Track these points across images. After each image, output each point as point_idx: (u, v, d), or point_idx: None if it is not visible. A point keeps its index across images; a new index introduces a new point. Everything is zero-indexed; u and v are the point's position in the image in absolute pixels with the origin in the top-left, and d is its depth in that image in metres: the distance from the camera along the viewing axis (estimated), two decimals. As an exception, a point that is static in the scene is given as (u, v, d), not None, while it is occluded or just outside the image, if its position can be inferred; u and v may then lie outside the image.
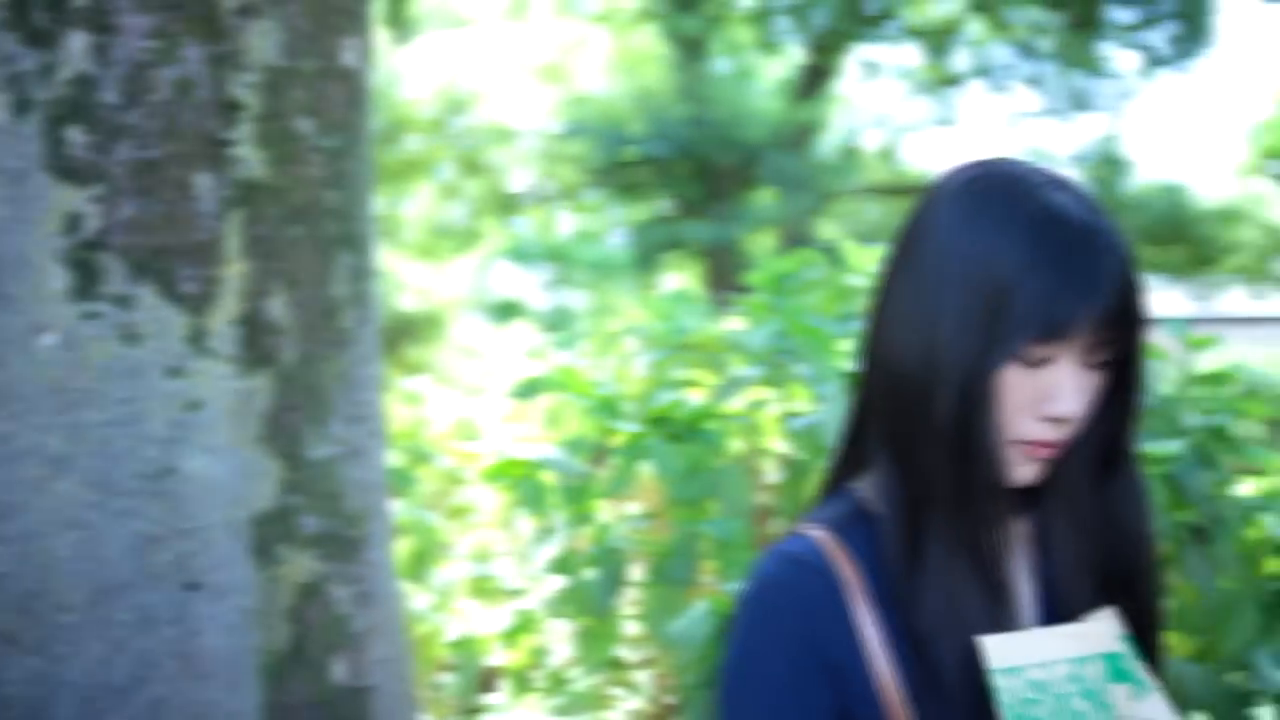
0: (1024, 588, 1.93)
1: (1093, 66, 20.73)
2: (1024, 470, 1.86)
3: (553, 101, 20.45)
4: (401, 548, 4.29)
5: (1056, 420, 1.83)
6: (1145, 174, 28.21)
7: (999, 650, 1.74)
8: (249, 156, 3.04)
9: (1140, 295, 1.83)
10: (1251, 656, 3.98)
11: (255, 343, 3.03)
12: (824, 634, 1.82)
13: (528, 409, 4.14)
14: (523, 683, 3.81)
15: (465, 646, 3.82)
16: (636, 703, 3.91)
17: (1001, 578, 1.86)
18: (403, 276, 17.64)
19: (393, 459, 4.66)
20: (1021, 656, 1.74)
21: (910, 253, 1.86)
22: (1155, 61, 20.22)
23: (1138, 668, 1.83)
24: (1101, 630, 1.76)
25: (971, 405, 1.79)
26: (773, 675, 1.83)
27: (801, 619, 1.83)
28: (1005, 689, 1.72)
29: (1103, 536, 1.93)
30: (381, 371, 3.34)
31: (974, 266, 1.79)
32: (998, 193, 1.83)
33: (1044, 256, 1.77)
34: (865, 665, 1.82)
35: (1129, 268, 1.81)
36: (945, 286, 1.81)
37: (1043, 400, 1.82)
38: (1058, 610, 1.91)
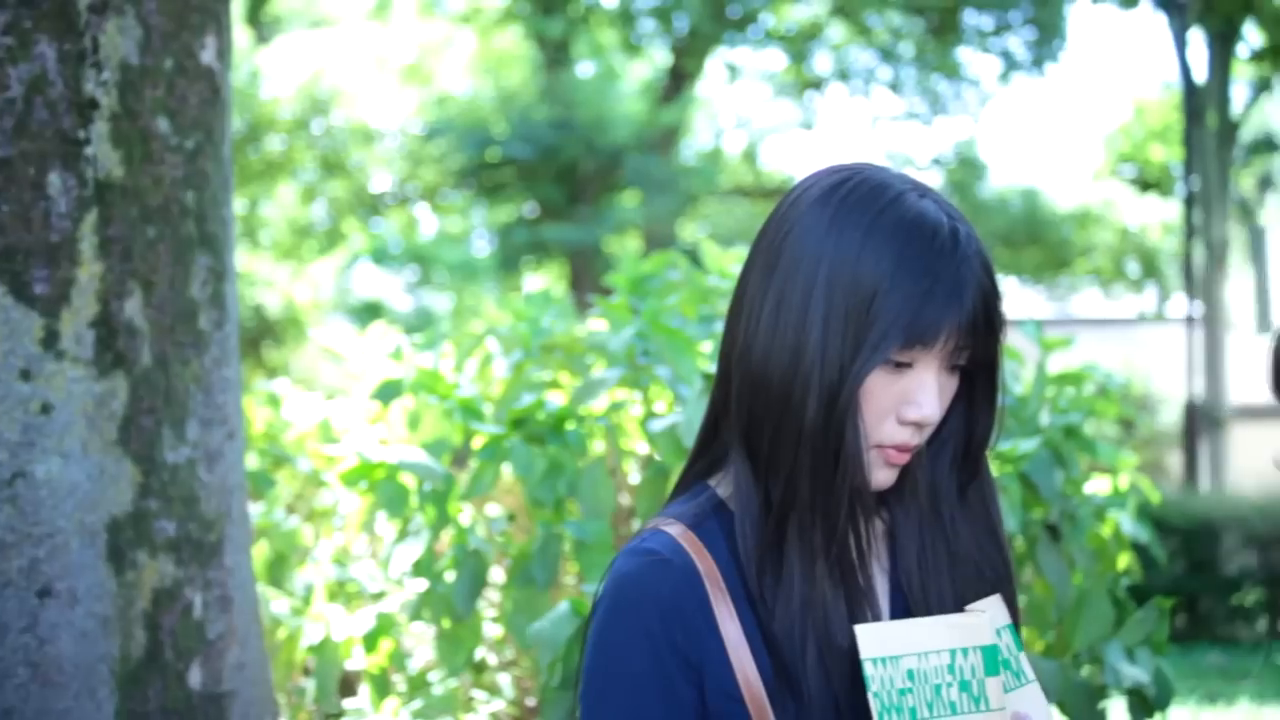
0: (880, 587, 1.95)
1: (952, 71, 21.01)
2: (882, 474, 1.88)
3: (416, 102, 20.35)
4: (260, 551, 4.25)
5: (916, 424, 1.85)
6: (1003, 178, 28.62)
7: (872, 639, 1.75)
8: (104, 156, 3.01)
9: (999, 302, 1.86)
10: (1103, 651, 4.05)
11: (110, 345, 3.00)
12: (685, 629, 1.83)
13: (388, 411, 4.11)
14: (383, 686, 3.78)
15: (325, 650, 3.79)
16: (498, 705, 3.90)
17: (860, 579, 1.88)
18: (263, 277, 17.46)
19: (251, 462, 4.61)
20: (898, 646, 1.75)
21: (775, 257, 1.87)
22: (1012, 67, 20.52)
23: (1017, 659, 1.86)
24: (982, 623, 1.77)
25: (838, 410, 1.81)
26: (635, 672, 1.83)
27: (662, 614, 1.83)
28: (877, 678, 1.74)
29: (956, 536, 1.95)
30: (240, 374, 3.31)
31: (841, 273, 1.81)
32: (863, 199, 1.85)
33: (910, 264, 1.80)
34: (727, 660, 1.82)
35: (990, 275, 1.85)
36: (812, 292, 1.82)
37: (903, 404, 1.84)
38: (911, 608, 1.93)
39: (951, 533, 1.95)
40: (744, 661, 1.83)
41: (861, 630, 1.75)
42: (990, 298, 1.84)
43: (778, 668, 1.82)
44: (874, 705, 1.73)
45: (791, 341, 1.82)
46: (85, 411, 2.96)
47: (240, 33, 18.32)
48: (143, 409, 3.04)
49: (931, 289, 1.79)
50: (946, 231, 1.83)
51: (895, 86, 21.38)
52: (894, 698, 1.75)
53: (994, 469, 3.93)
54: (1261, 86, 19.24)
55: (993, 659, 1.77)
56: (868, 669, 1.73)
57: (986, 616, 1.78)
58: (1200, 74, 18.29)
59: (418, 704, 3.62)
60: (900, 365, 1.82)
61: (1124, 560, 4.40)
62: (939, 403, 1.85)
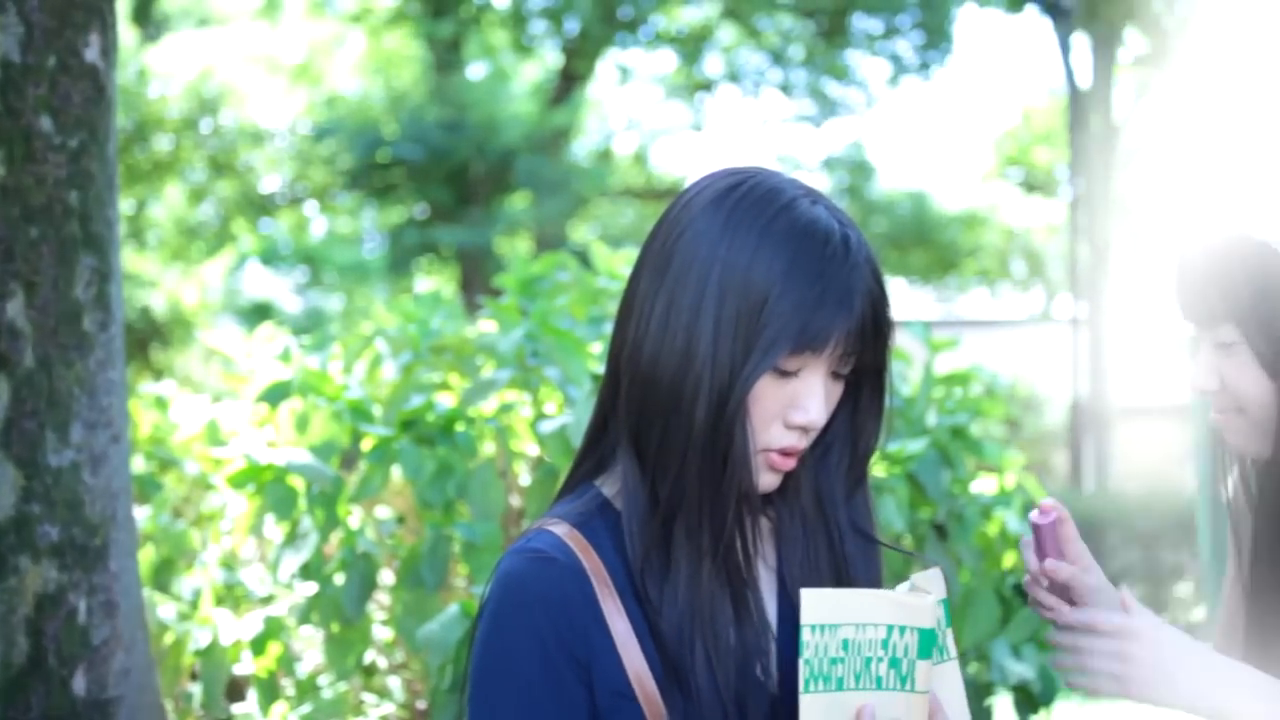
0: (766, 586, 1.97)
1: (841, 74, 21.15)
2: (767, 478, 1.90)
3: (305, 102, 20.22)
4: (146, 555, 4.20)
5: (802, 428, 1.87)
6: (892, 180, 28.85)
7: (816, 606, 1.75)
8: (-16, 155, 2.97)
9: (888, 309, 1.88)
10: (989, 648, 4.10)
11: (-9, 347, 2.96)
12: (573, 626, 1.83)
13: (276, 413, 4.08)
14: (271, 690, 3.75)
15: (212, 655, 3.75)
16: (388, 708, 3.89)
17: (746, 579, 1.90)
18: (151, 278, 17.27)
19: (137, 465, 4.57)
20: (839, 615, 1.75)
21: (666, 259, 1.88)
22: (900, 70, 20.69)
23: (944, 635, 1.88)
24: (926, 606, 1.77)
25: (727, 413, 1.82)
26: (525, 672, 1.83)
27: (549, 612, 1.84)
28: (812, 644, 1.74)
29: (839, 538, 1.98)
30: (125, 376, 3.28)
31: (733, 277, 1.82)
32: (756, 204, 1.86)
33: (801, 270, 1.81)
34: (616, 657, 1.83)
35: (879, 282, 1.87)
36: (704, 295, 1.83)
37: (790, 409, 1.85)
38: (794, 606, 1.95)
39: (835, 535, 1.97)
40: (634, 658, 1.83)
41: (807, 595, 1.75)
42: (879, 305, 1.86)
43: (666, 664, 1.83)
44: (803, 670, 1.74)
45: (682, 344, 1.83)
46: (-34, 414, 2.92)
47: (126, 31, 18.10)
48: (25, 411, 3.00)
49: (822, 296, 1.81)
50: (838, 239, 1.84)
51: (785, 89, 21.49)
52: (824, 666, 1.75)
53: (882, 469, 3.99)
54: (1143, 91, 19.54)
55: (928, 643, 1.78)
56: (805, 635, 1.74)
57: (932, 599, 1.78)
58: (1084, 79, 18.55)
59: (307, 708, 3.60)
60: (788, 372, 1.84)
61: (1010, 559, 4.45)
62: (825, 408, 1.87)
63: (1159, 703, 1.99)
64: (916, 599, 1.78)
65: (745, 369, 1.81)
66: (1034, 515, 2.11)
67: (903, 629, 1.76)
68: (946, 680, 1.89)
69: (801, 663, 1.75)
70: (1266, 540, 2.13)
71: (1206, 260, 2.09)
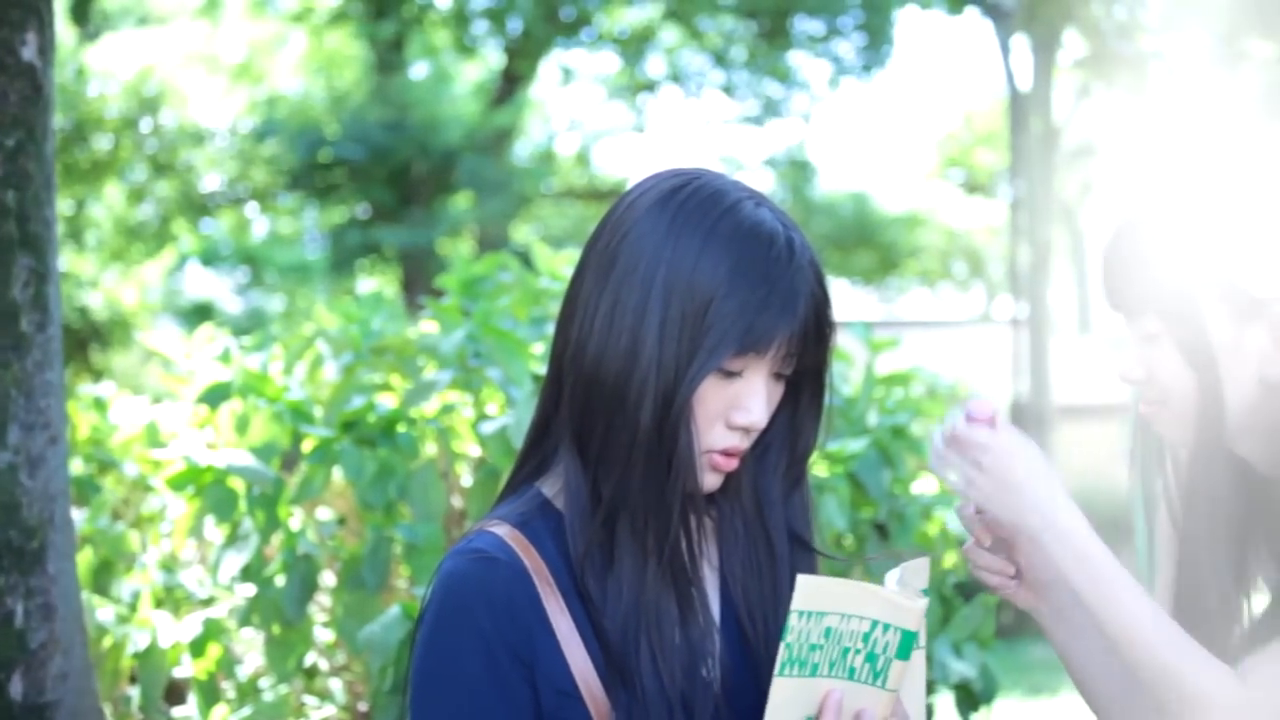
0: (710, 585, 1.97)
1: (783, 75, 21.19)
2: (709, 478, 1.90)
3: (246, 102, 20.10)
4: (85, 558, 4.17)
5: (744, 429, 1.88)
6: (833, 181, 28.93)
7: (808, 593, 1.75)
8: (-81, 155, 2.94)
9: (830, 311, 1.90)
10: (931, 647, 4.12)
11: (-74, 348, 2.94)
12: (516, 626, 1.83)
13: (216, 415, 4.06)
14: (211, 693, 3.73)
15: (151, 657, 3.73)
16: (329, 711, 3.87)
17: (692, 579, 1.91)
18: (90, 279, 17.15)
19: (76, 467, 4.53)
20: (827, 604, 1.75)
21: (610, 260, 1.88)
22: (842, 72, 20.76)
23: (923, 631, 1.89)
24: (916, 609, 1.77)
25: (672, 414, 1.83)
26: (468, 673, 1.83)
27: (492, 612, 1.84)
28: (796, 630, 1.74)
29: (778, 538, 1.98)
30: (63, 377, 3.25)
31: (678, 278, 1.83)
32: (701, 205, 1.87)
33: (746, 272, 1.82)
34: (560, 656, 1.83)
35: (821, 284, 1.88)
36: (649, 296, 1.83)
37: (733, 409, 1.86)
38: (736, 607, 1.96)
39: (775, 535, 1.98)
40: (578, 657, 1.84)
41: (801, 581, 1.75)
42: (822, 307, 1.88)
43: (610, 663, 1.83)
44: (781, 654, 1.74)
45: (626, 345, 1.84)
46: (-99, 416, 2.90)
47: (65, 29, 17.96)
48: (-39, 413, 2.98)
49: (767, 298, 1.82)
50: (782, 241, 1.85)
51: (728, 90, 21.53)
52: (803, 651, 1.76)
53: (823, 469, 4.01)
54: (1082, 93, 19.67)
55: (908, 644, 1.78)
56: (791, 619, 1.74)
57: (923, 604, 1.78)
58: (1025, 81, 18.65)
59: (247, 711, 3.58)
60: (732, 373, 1.85)
61: (951, 558, 4.47)
62: (767, 409, 1.88)
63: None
64: (908, 600, 1.78)
65: (690, 370, 1.82)
66: (973, 410, 2.12)
67: (886, 626, 1.77)
68: (912, 669, 1.89)
69: (782, 646, 1.75)
70: (1193, 531, 2.16)
71: (1129, 251, 2.12)
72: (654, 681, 1.84)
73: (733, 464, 1.90)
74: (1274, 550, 2.07)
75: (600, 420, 1.86)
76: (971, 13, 19.63)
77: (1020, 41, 18.41)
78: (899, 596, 1.77)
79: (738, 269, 1.82)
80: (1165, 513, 2.26)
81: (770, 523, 1.98)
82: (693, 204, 1.87)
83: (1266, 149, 2.14)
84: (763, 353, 1.84)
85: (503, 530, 1.89)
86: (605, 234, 1.91)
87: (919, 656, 1.86)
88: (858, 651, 1.77)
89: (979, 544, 2.20)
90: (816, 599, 1.75)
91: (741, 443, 1.89)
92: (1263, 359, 2.06)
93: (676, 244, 1.84)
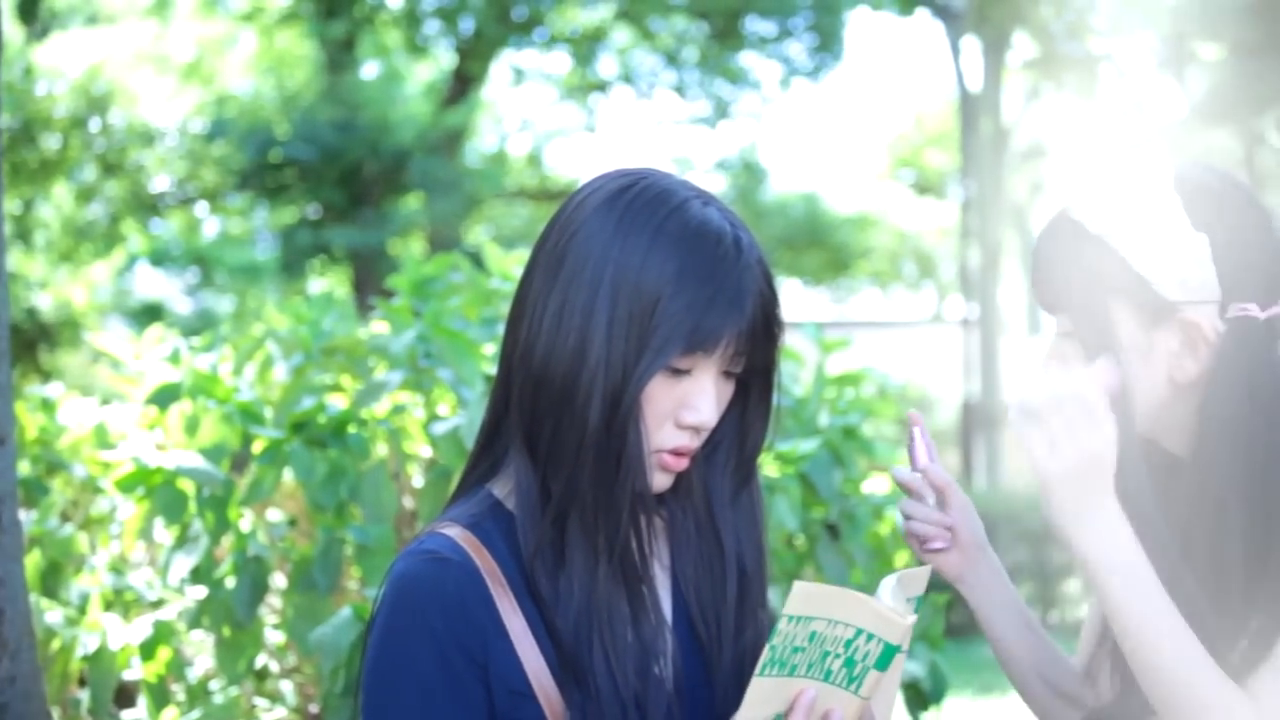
0: (662, 584, 1.98)
1: (735, 76, 21.21)
2: (660, 478, 1.91)
3: (196, 102, 20.00)
4: (33, 560, 4.15)
5: (694, 428, 1.88)
6: (785, 181, 28.98)
7: (802, 599, 1.75)
8: None
9: (778, 309, 1.91)
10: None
11: (-128, 349, 2.92)
12: (469, 626, 1.84)
13: (166, 416, 4.04)
14: (162, 696, 3.72)
15: (101, 660, 3.71)
16: (280, 713, 3.86)
17: (643, 578, 1.91)
18: (38, 279, 17.04)
19: (24, 468, 4.50)
20: (817, 610, 1.75)
21: (559, 260, 1.89)
22: (793, 73, 20.80)
23: (906, 644, 1.89)
24: (905, 626, 1.77)
25: (620, 414, 1.83)
26: (421, 674, 1.83)
27: (445, 612, 1.84)
28: (784, 633, 1.75)
29: (728, 537, 1.99)
30: (11, 378, 3.23)
31: (626, 278, 1.83)
32: (648, 205, 1.87)
33: (693, 271, 1.83)
34: (514, 656, 1.84)
35: (769, 283, 1.89)
36: (597, 296, 1.84)
37: (681, 409, 1.87)
38: (688, 606, 1.97)
39: (725, 534, 1.98)
40: (531, 656, 1.84)
41: (798, 587, 1.75)
42: (770, 306, 1.89)
43: (564, 662, 1.84)
44: (765, 654, 1.75)
45: (575, 344, 1.84)
46: None
47: (13, 28, 17.85)
48: (-93, 415, 2.96)
49: (714, 296, 1.83)
50: (730, 240, 1.86)
51: (679, 90, 21.54)
52: (786, 653, 1.77)
53: (775, 469, 4.02)
54: (1032, 95, 19.77)
55: (888, 657, 1.78)
56: (781, 624, 1.75)
57: (911, 622, 1.78)
58: (975, 82, 18.74)
59: (197, 713, 3.57)
60: (680, 371, 1.86)
61: (902, 558, 4.49)
62: (716, 408, 1.89)
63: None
64: (898, 615, 1.78)
65: (638, 369, 1.82)
66: (914, 416, 2.17)
67: (870, 636, 1.77)
68: (887, 679, 1.90)
69: (767, 647, 1.76)
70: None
71: (1049, 249, 2.13)
72: (607, 680, 1.84)
73: (683, 463, 1.91)
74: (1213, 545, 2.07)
75: (549, 420, 1.87)
76: (922, 14, 19.71)
77: (970, 43, 18.51)
78: (890, 610, 1.78)
79: (684, 268, 1.83)
80: None
81: (720, 522, 1.99)
82: (640, 203, 1.87)
83: (1195, 149, 2.16)
84: (710, 351, 1.84)
85: (454, 531, 1.89)
86: (554, 234, 1.92)
87: (897, 667, 1.87)
88: (837, 656, 1.78)
89: (919, 500, 2.24)
90: (809, 605, 1.76)
91: (691, 442, 1.90)
92: (1171, 361, 2.07)
93: (624, 243, 1.85)
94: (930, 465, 2.24)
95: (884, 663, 1.79)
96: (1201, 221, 2.05)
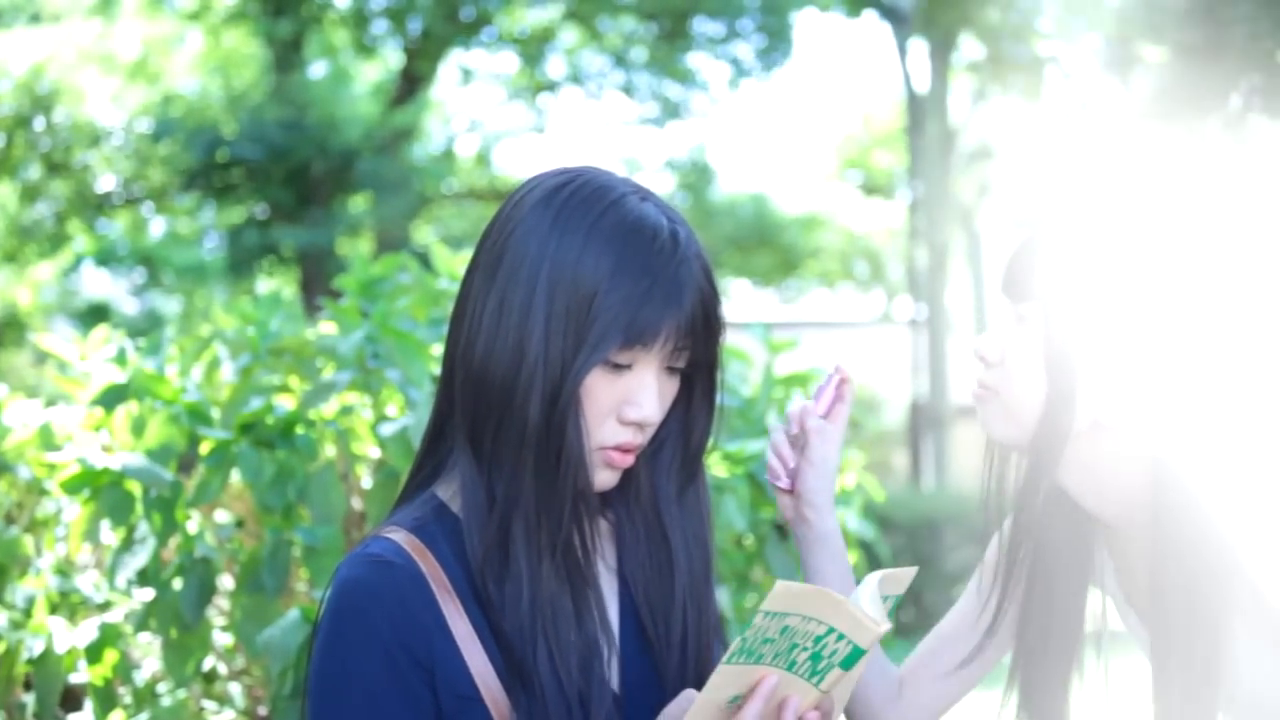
0: (607, 585, 1.98)
1: (683, 76, 21.24)
2: (604, 475, 1.91)
3: (142, 101, 19.89)
4: (-22, 563, 4.12)
5: (637, 424, 1.88)
6: (733, 183, 29.03)
7: (778, 596, 1.75)
8: None
9: (718, 304, 1.91)
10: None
11: None
12: (414, 630, 1.84)
13: (112, 417, 4.02)
14: (108, 699, 3.69)
15: (46, 663, 3.68)
16: (228, 715, 3.84)
17: (587, 577, 1.91)
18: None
19: (-32, 471, 4.47)
20: (793, 606, 1.76)
21: (497, 258, 1.89)
22: (741, 73, 20.84)
23: (876, 648, 1.90)
24: (877, 633, 1.78)
25: (559, 410, 1.83)
26: (367, 677, 1.83)
27: (390, 616, 1.84)
28: (757, 626, 1.75)
29: (675, 535, 2.00)
30: (-46, 380, 3.21)
31: (562, 273, 1.84)
32: (585, 201, 1.87)
33: (629, 265, 1.83)
34: (459, 659, 1.83)
35: (709, 277, 1.89)
36: (534, 292, 1.84)
37: (624, 405, 1.87)
38: (636, 605, 1.97)
39: (672, 533, 1.99)
40: (476, 659, 1.84)
41: (779, 585, 1.75)
42: (709, 300, 1.89)
43: (509, 664, 1.84)
44: (735, 644, 1.76)
45: (514, 341, 1.84)
46: None
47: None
48: None
49: (650, 290, 1.83)
50: (666, 234, 1.87)
51: (628, 91, 21.55)
52: (756, 644, 1.77)
53: (723, 470, 4.02)
54: (979, 96, 19.86)
55: (854, 658, 1.79)
56: (757, 619, 1.75)
57: (884, 630, 1.79)
58: (922, 83, 18.82)
59: (144, 716, 3.55)
60: (620, 366, 1.86)
61: (851, 557, 4.50)
62: (659, 403, 1.89)
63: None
64: (873, 622, 1.78)
65: (576, 363, 1.83)
66: (839, 370, 2.19)
67: (840, 636, 1.78)
68: (849, 678, 1.90)
69: (738, 639, 1.76)
70: (1018, 539, 2.20)
71: (1041, 240, 2.13)
72: (551, 679, 1.84)
73: (628, 460, 1.91)
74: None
75: (491, 419, 1.87)
76: (869, 15, 19.78)
77: (918, 45, 18.59)
78: (866, 616, 1.78)
79: (621, 262, 1.83)
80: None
81: (667, 520, 1.99)
82: (576, 200, 1.88)
83: (1139, 150, 2.19)
84: (649, 345, 1.85)
85: (398, 536, 1.89)
86: (493, 232, 1.92)
87: (860, 667, 1.88)
88: (805, 649, 1.79)
89: (791, 436, 2.30)
90: (786, 602, 1.76)
91: (635, 438, 1.90)
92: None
93: (560, 240, 1.85)
94: (811, 407, 2.27)
95: (850, 663, 1.80)
96: None
